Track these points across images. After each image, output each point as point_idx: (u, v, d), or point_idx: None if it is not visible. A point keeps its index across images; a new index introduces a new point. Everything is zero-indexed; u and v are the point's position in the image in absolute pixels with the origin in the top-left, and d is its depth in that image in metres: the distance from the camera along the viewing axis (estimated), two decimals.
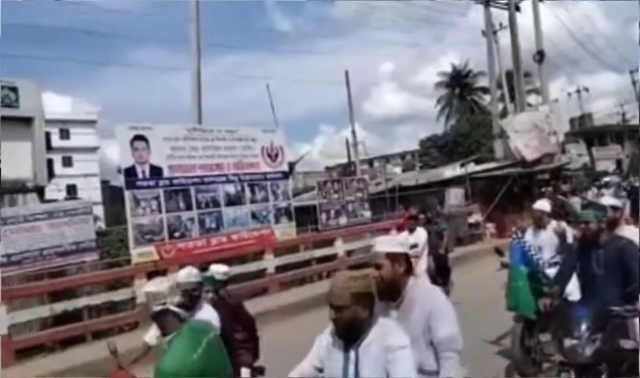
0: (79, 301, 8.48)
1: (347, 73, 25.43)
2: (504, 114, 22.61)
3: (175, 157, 9.75)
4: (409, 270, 2.37)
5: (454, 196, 16.49)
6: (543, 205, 5.79)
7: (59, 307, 8.22)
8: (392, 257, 2.31)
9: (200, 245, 9.94)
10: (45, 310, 8.18)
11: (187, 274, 3.78)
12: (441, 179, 18.21)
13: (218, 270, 4.45)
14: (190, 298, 3.56)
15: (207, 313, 3.59)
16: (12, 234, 8.45)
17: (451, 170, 19.38)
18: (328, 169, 43.77)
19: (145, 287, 2.55)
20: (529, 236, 5.51)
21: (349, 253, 12.83)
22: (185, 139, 9.98)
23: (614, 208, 4.14)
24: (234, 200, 10.54)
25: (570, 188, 20.77)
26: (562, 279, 3.89)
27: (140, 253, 9.14)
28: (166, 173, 9.59)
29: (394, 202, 16.44)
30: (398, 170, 39.99)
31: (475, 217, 16.10)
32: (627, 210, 13.72)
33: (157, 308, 2.42)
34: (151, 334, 3.84)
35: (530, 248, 5.31)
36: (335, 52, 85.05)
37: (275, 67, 67.39)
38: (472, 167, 18.77)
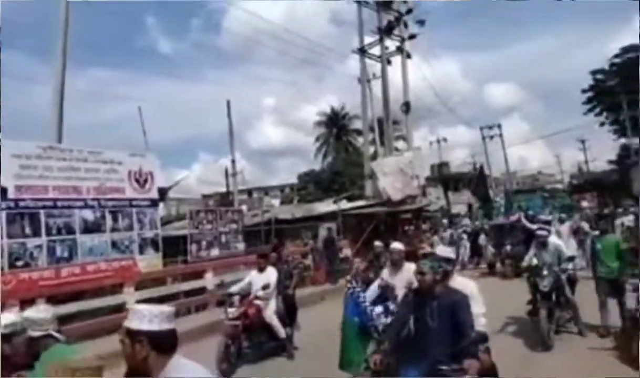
0: None
1: (228, 102, 25.44)
2: (374, 156, 24.28)
3: (23, 177, 8.69)
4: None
5: (327, 231, 17.06)
6: (399, 245, 5.90)
7: None
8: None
9: (48, 276, 8.88)
10: None
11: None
12: (316, 214, 18.77)
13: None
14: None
15: None
16: None
17: (325, 206, 20.12)
18: (205, 196, 42.65)
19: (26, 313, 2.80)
20: (385, 275, 5.61)
21: (220, 286, 12.45)
22: (38, 157, 8.96)
23: (447, 260, 4.16)
24: (91, 228, 9.65)
25: (429, 227, 22.93)
26: (392, 333, 3.72)
27: None
28: (11, 193, 8.49)
29: (270, 235, 16.49)
30: (276, 202, 40.44)
31: (346, 252, 16.81)
32: (467, 251, 16.64)
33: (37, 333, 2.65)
34: None
35: (365, 298, 5.16)
36: (218, 81, 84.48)
37: (154, 89, 64.55)
38: (344, 204, 19.69)
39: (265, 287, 6.87)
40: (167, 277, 11.41)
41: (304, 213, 19.63)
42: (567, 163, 57.25)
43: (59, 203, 9.15)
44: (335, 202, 19.90)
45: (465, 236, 17.92)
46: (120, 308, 9.70)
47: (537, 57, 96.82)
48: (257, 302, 6.97)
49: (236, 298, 6.99)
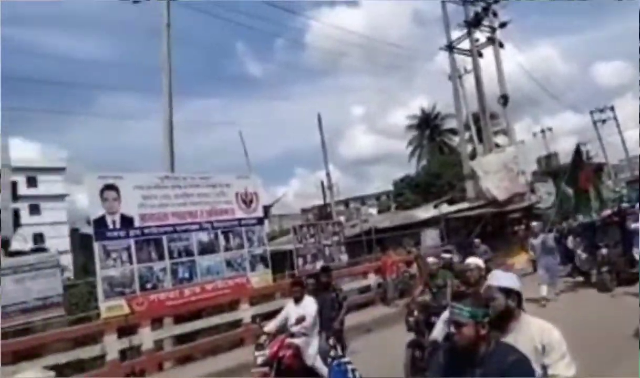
0: (45, 360, 8.01)
1: (319, 116, 25.86)
2: (473, 154, 23.22)
3: (146, 206, 9.55)
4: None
5: (430, 237, 16.60)
6: (477, 261, 5.11)
7: (26, 367, 7.74)
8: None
9: (173, 296, 9.63)
10: (7, 372, 7.69)
11: None
12: (416, 220, 18.36)
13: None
14: None
15: None
16: None
17: (425, 212, 19.60)
18: (304, 210, 43.74)
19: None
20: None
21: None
22: (157, 187, 9.82)
23: (508, 292, 2.63)
24: (207, 249, 10.32)
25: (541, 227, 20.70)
26: None
27: (109, 307, 8.78)
28: (137, 222, 9.37)
29: (371, 245, 16.44)
30: (373, 211, 40.26)
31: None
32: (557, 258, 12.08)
33: None
34: None
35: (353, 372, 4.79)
36: (307, 96, 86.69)
37: (246, 112, 68.00)
38: (445, 208, 19.03)
39: (299, 320, 5.59)
40: (276, 291, 11.83)
41: (403, 220, 19.30)
42: None
43: (178, 228, 9.93)
44: (435, 206, 19.31)
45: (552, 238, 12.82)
46: (237, 324, 10.26)
47: None
48: (293, 340, 5.64)
49: (265, 339, 5.67)
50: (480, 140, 22.98)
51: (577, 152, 14.91)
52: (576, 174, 13.85)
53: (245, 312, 10.27)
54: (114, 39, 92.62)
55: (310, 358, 5.71)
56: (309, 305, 5.89)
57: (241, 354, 8.52)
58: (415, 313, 6.02)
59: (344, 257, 14.08)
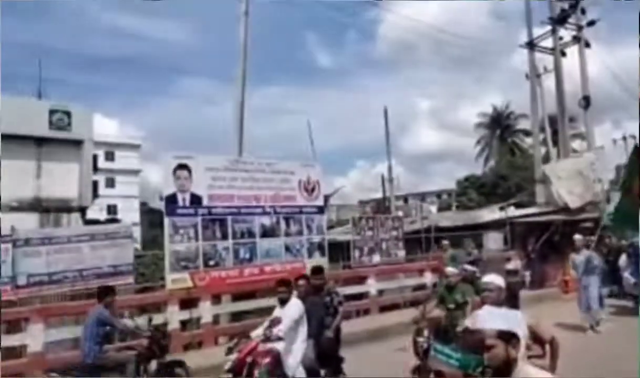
0: None
1: (385, 109, 25.62)
2: (546, 158, 22.05)
3: (215, 187, 9.91)
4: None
5: (493, 240, 16.01)
6: (498, 280, 4.21)
7: None
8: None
9: (233, 275, 9.97)
10: (79, 330, 8.32)
11: None
12: (479, 222, 17.75)
13: None
14: None
15: None
16: (56, 254, 8.74)
17: (490, 213, 18.87)
18: (361, 202, 43.64)
19: None
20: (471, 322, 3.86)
21: (381, 293, 12.59)
22: (226, 169, 10.16)
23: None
24: (268, 232, 10.57)
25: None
26: None
27: (174, 280, 9.23)
28: (205, 202, 9.75)
29: (429, 242, 16.12)
30: (433, 208, 39.42)
31: (514, 264, 15.51)
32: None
33: None
34: None
35: None
36: (375, 88, 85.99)
37: (313, 101, 68.73)
38: (511, 211, 18.23)
39: (274, 322, 5.15)
40: (330, 280, 11.91)
41: (465, 220, 18.72)
42: None
43: (242, 210, 10.24)
44: (501, 208, 18.54)
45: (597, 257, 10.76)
46: None
47: None
48: (268, 345, 5.14)
49: (236, 342, 5.34)
50: (555, 143, 21.73)
51: (637, 151, 12.41)
52: (632, 180, 11.78)
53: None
54: (194, 24, 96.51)
55: (290, 369, 5.23)
56: (291, 308, 5.41)
57: None
58: (426, 333, 5.18)
59: (401, 253, 13.91)
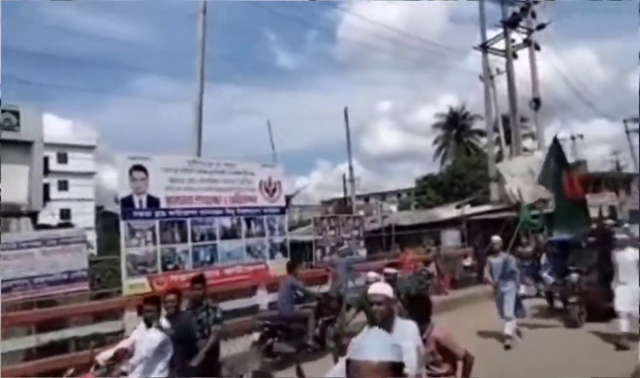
0: (67, 332, 8.28)
1: (346, 110, 25.87)
2: (499, 157, 22.86)
3: (173, 189, 9.70)
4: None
5: (451, 238, 16.47)
6: (382, 288, 3.50)
7: (46, 337, 8.01)
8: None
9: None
10: (31, 341, 7.97)
11: None
12: (437, 220, 18.21)
13: None
14: None
15: None
16: (4, 261, 8.32)
17: (447, 211, 19.42)
18: (324, 203, 43.81)
19: None
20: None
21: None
22: (184, 170, 9.96)
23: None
24: (229, 234, 10.44)
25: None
26: None
27: (131, 285, 8.98)
28: (163, 204, 9.54)
29: (390, 241, 16.40)
30: (394, 207, 40.10)
31: (470, 260, 16.03)
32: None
33: None
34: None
35: None
36: (335, 89, 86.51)
37: (274, 101, 68.49)
38: (467, 209, 18.82)
39: (119, 355, 4.30)
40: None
41: (424, 219, 19.18)
42: None
43: (202, 212, 10.07)
44: (458, 207, 19.12)
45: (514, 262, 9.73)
46: (255, 310, 10.39)
47: None
48: None
49: (71, 373, 4.41)
50: (508, 142, 22.59)
51: (556, 146, 11.77)
52: (558, 177, 11.26)
53: (263, 299, 10.41)
54: (150, 22, 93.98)
55: None
56: (149, 335, 4.46)
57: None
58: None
59: (363, 252, 14.09)
